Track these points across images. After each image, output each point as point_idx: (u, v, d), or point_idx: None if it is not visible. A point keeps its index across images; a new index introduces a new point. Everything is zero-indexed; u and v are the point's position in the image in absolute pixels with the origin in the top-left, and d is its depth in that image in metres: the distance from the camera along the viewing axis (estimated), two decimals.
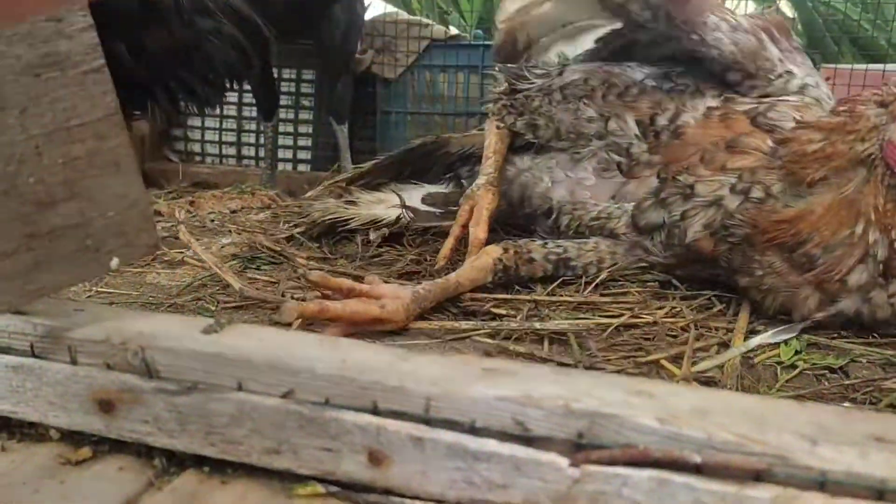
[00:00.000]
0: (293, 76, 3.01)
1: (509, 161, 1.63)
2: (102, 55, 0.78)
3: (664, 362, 1.06)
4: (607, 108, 1.48)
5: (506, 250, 1.38)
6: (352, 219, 1.74)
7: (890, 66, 2.33)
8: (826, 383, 1.04)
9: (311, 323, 1.09)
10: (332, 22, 2.46)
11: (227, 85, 2.36)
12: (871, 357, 1.10)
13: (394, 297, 1.15)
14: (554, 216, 1.52)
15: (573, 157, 1.52)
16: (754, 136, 1.28)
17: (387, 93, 2.86)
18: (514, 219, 1.66)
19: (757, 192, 1.22)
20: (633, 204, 1.40)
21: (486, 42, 2.73)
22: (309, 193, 1.83)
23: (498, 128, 1.64)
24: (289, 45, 2.79)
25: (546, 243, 1.43)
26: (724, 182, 1.27)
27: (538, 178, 1.56)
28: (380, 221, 1.73)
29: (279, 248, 1.56)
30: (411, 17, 2.80)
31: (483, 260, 1.35)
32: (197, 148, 3.06)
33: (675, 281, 1.39)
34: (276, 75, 2.92)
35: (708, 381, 1.01)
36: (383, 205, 1.75)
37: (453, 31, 2.80)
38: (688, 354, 1.07)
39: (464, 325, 1.19)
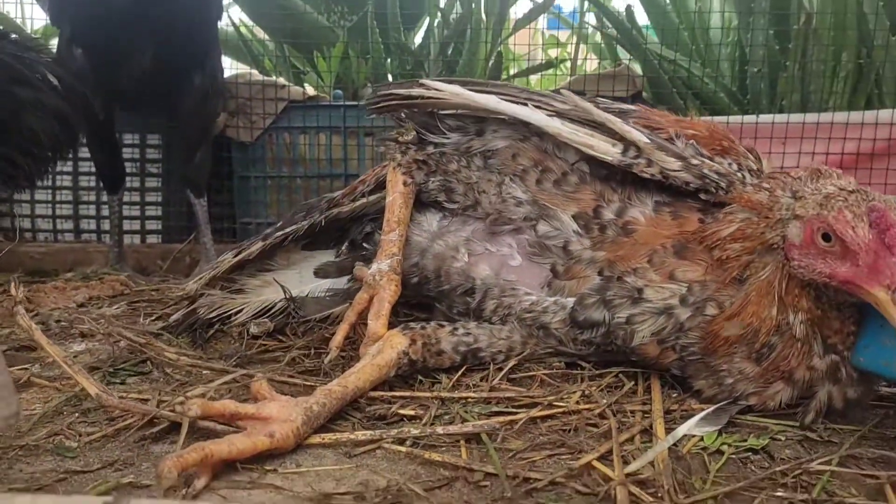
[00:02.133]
0: (136, 140, 2.78)
1: (415, 223, 1.48)
2: None
3: (596, 463, 1.00)
4: (543, 197, 1.35)
5: (413, 341, 1.27)
6: (242, 309, 1.58)
7: (733, 119, 2.50)
8: (753, 468, 1.02)
9: None
10: (193, 92, 2.28)
11: (51, 158, 2.14)
12: (788, 433, 1.11)
13: (283, 419, 1.02)
14: (478, 298, 1.39)
15: (492, 228, 1.40)
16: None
17: (243, 157, 2.69)
18: (421, 296, 1.53)
19: (711, 310, 1.18)
20: (572, 299, 1.30)
21: (347, 103, 2.66)
22: (188, 285, 1.62)
23: (405, 184, 1.47)
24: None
25: (455, 329, 1.34)
26: (675, 291, 1.21)
27: (453, 250, 1.41)
28: (273, 307, 1.58)
29: (147, 354, 1.37)
30: (266, 77, 2.66)
31: (386, 356, 1.24)
32: (27, 224, 2.74)
33: (579, 361, 1.36)
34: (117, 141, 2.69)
35: (644, 482, 0.96)
36: (274, 287, 1.60)
37: (311, 91, 2.69)
38: (616, 453, 1.02)
39: (371, 434, 1.08)
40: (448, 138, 1.47)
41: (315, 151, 2.67)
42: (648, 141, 1.26)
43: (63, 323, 1.60)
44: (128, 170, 2.74)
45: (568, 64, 3.24)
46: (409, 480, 0.96)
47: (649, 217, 1.27)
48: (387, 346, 1.25)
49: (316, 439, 1.07)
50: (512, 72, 3.22)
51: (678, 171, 1.25)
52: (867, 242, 1.03)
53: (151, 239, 2.78)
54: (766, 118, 2.50)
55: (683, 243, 1.22)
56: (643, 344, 1.24)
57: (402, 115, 1.51)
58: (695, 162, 1.25)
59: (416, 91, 1.47)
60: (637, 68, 2.72)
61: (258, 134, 2.65)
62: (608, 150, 1.28)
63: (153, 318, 1.66)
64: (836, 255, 1.06)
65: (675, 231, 1.24)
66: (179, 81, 2.24)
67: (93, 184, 2.73)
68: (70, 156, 2.69)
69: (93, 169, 2.63)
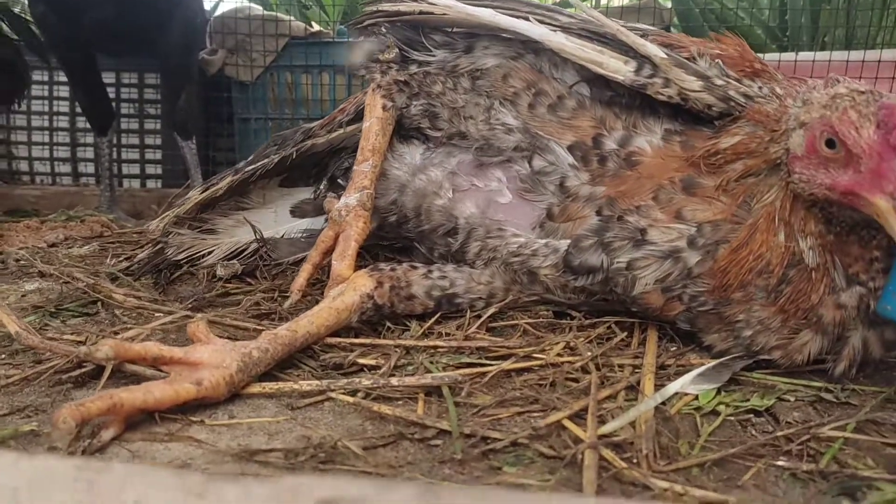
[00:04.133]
0: (135, 80, 2.67)
1: (396, 154, 1.33)
2: None
3: (567, 422, 0.86)
4: (536, 124, 1.20)
5: (379, 284, 1.14)
6: (212, 250, 1.46)
7: (770, 56, 2.28)
8: (753, 432, 0.87)
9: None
10: (168, 35, 2.17)
11: None
12: (799, 394, 0.95)
13: (215, 365, 0.90)
14: (461, 239, 1.25)
15: (479, 160, 1.26)
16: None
17: (244, 97, 2.57)
18: (401, 237, 1.39)
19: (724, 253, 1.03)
20: (566, 241, 1.15)
21: (352, 40, 2.50)
22: (151, 225, 1.51)
23: (385, 108, 1.32)
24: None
25: (430, 272, 1.20)
26: (683, 232, 1.05)
27: (436, 185, 1.27)
28: (245, 249, 1.47)
29: (97, 295, 1.26)
30: (266, 12, 2.52)
31: (347, 298, 1.11)
32: (24, 166, 2.66)
33: (570, 310, 1.21)
34: (114, 80, 2.59)
35: (620, 444, 0.82)
36: (247, 227, 1.48)
37: (315, 27, 2.54)
38: (592, 411, 0.88)
39: (318, 384, 0.96)
40: (433, 56, 1.32)
41: (318, 92, 2.53)
42: (665, 56, 1.10)
43: (23, 262, 1.50)
44: (126, 111, 2.66)
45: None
46: (349, 437, 0.84)
47: (657, 147, 1.10)
48: (349, 289, 1.12)
49: (257, 388, 0.95)
50: None
51: (699, 91, 1.08)
52: (871, 145, 0.88)
53: (151, 184, 2.69)
54: (806, 56, 2.28)
55: (694, 178, 1.06)
56: (645, 293, 1.09)
57: (383, 29, 1.35)
58: (719, 82, 1.08)
59: (405, 6, 1.31)
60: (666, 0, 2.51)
61: (258, 73, 2.53)
62: (619, 69, 1.12)
63: (121, 258, 1.56)
64: (839, 162, 0.91)
65: (684, 163, 1.07)
66: (152, 27, 2.14)
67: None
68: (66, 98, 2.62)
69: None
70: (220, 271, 1.40)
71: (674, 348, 1.10)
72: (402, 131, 1.36)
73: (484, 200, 1.24)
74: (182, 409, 0.89)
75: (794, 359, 1.00)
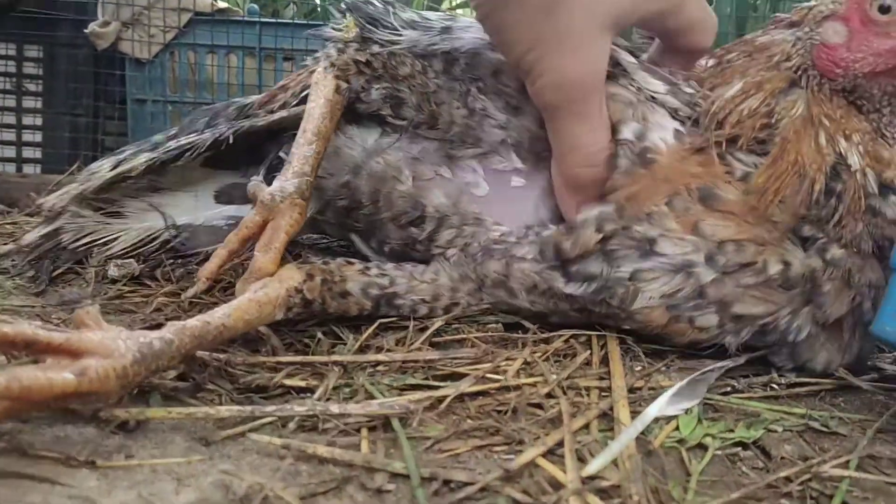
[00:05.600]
0: (13, 52, 2.37)
1: (347, 134, 1.16)
2: None
3: (542, 462, 0.74)
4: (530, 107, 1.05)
5: (310, 277, 0.99)
6: (119, 236, 1.25)
7: None
8: (744, 468, 0.78)
9: None
10: None
11: None
12: (785, 422, 0.86)
13: (105, 354, 0.72)
14: (429, 228, 1.09)
15: (449, 151, 1.10)
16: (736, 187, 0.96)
17: (140, 76, 2.33)
18: (340, 224, 1.22)
19: (749, 278, 0.94)
20: (553, 230, 1.02)
21: (264, 19, 2.30)
22: (48, 201, 1.27)
23: (338, 91, 1.12)
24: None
25: (368, 268, 1.05)
26: (698, 246, 0.95)
27: (396, 171, 1.11)
28: (158, 236, 1.26)
29: None
30: None
31: (272, 290, 0.94)
32: None
33: (522, 320, 1.09)
34: None
35: (606, 489, 0.70)
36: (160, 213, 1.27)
37: (221, 4, 2.33)
38: (569, 447, 0.76)
39: (240, 411, 0.79)
40: (402, 37, 1.13)
41: (225, 74, 2.32)
42: (633, 61, 1.04)
43: None
44: (1, 86, 2.36)
45: None
46: (281, 482, 0.68)
47: (672, 147, 0.99)
48: (274, 281, 0.96)
49: (160, 413, 0.78)
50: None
51: (664, 94, 1.02)
52: None
53: (29, 169, 2.39)
54: None
55: (711, 189, 0.96)
56: (647, 307, 0.98)
57: (344, 4, 1.18)
58: (688, 90, 1.02)
59: None
60: None
61: (157, 50, 2.29)
62: None
63: None
64: None
65: (699, 168, 0.97)
66: None
67: None
68: None
69: None
70: (112, 272, 1.20)
71: (639, 368, 1.00)
72: (355, 114, 1.19)
73: (455, 191, 1.09)
74: (65, 443, 0.71)
75: None
